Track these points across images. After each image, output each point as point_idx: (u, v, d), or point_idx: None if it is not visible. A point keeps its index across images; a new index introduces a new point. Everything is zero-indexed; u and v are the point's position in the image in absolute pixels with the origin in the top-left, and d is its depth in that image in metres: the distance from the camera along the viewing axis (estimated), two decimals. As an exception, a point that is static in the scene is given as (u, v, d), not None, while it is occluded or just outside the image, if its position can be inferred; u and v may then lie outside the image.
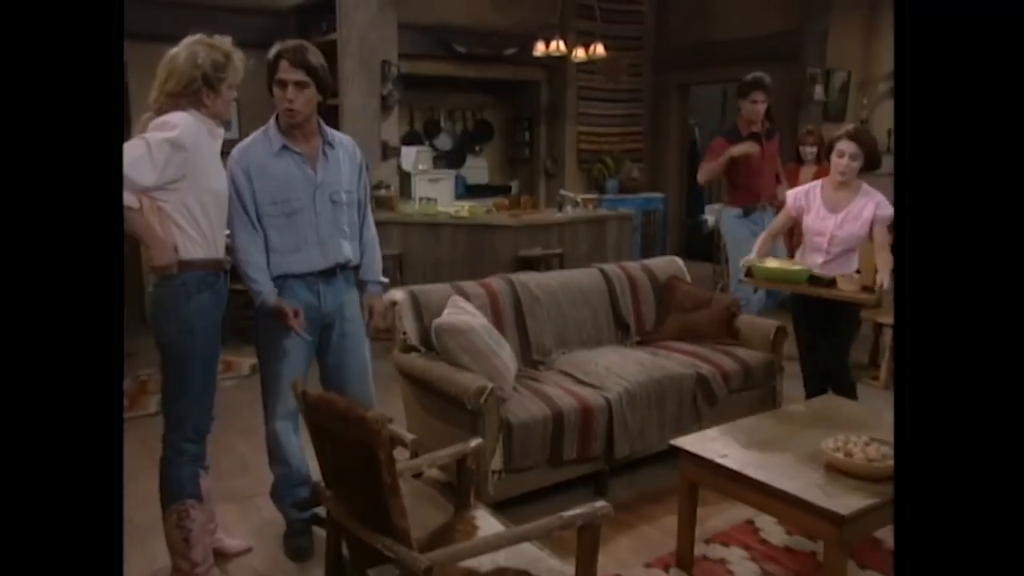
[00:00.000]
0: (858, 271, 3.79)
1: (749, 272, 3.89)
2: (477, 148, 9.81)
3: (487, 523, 2.39)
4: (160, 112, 2.62)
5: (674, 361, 3.96)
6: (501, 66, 8.80)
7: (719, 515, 3.37)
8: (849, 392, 3.85)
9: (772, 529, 3.28)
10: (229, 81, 2.68)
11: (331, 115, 6.09)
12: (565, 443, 3.41)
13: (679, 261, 4.87)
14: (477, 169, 9.71)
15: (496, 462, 3.26)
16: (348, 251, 3.05)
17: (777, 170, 5.61)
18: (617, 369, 3.74)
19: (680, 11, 9.50)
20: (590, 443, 3.49)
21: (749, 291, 4.94)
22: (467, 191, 8.84)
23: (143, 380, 5.21)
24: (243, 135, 3.13)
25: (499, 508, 2.85)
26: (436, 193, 7.41)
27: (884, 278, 3.46)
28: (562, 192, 7.54)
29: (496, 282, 4.07)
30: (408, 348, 3.65)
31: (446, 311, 3.58)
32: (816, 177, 4.62)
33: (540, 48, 7.36)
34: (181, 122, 2.57)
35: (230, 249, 2.90)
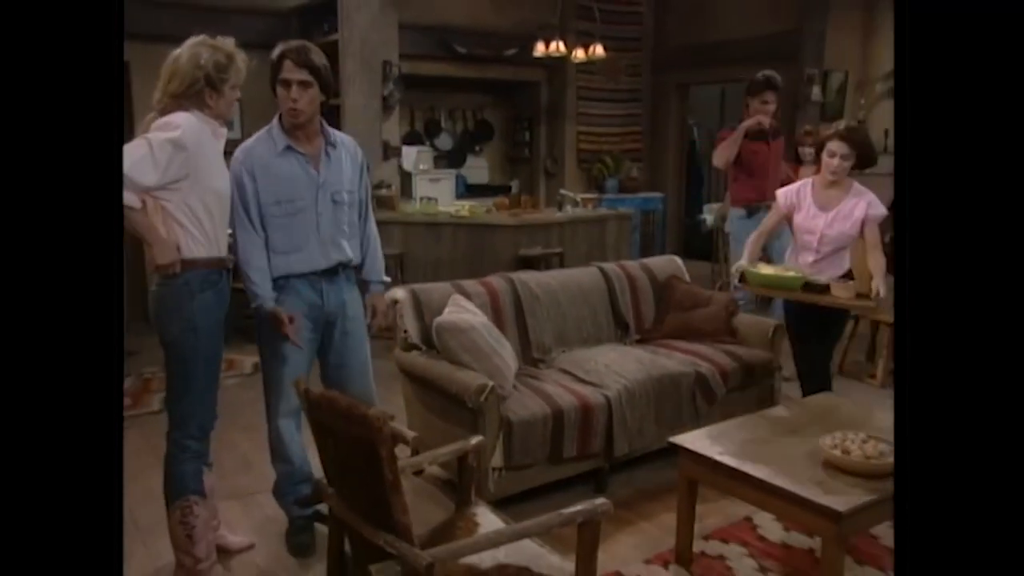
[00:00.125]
0: (850, 275, 3.75)
1: (743, 277, 3.85)
2: (477, 148, 9.83)
3: (488, 520, 2.41)
4: (163, 112, 2.64)
5: (673, 359, 3.97)
6: (501, 66, 8.82)
7: (718, 512, 3.38)
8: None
9: (770, 526, 3.30)
10: (232, 82, 2.69)
11: (332, 115, 6.10)
12: (565, 441, 3.43)
13: (678, 260, 4.88)
14: (477, 169, 9.73)
15: (496, 459, 3.27)
16: (349, 251, 3.07)
17: (782, 171, 5.56)
18: (617, 367, 3.76)
19: (679, 12, 9.51)
20: (590, 441, 3.51)
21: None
22: (467, 191, 8.86)
23: (147, 378, 5.23)
24: (245, 135, 3.14)
25: (500, 505, 2.86)
26: (437, 193, 7.42)
27: (879, 285, 3.46)
28: (562, 192, 7.56)
29: (496, 281, 4.09)
30: (409, 346, 3.66)
31: (447, 310, 3.59)
32: None
33: (540, 49, 7.38)
34: (183, 122, 2.58)
35: (232, 248, 2.92)
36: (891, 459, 2.63)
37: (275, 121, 2.96)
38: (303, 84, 2.83)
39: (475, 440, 2.56)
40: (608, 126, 9.62)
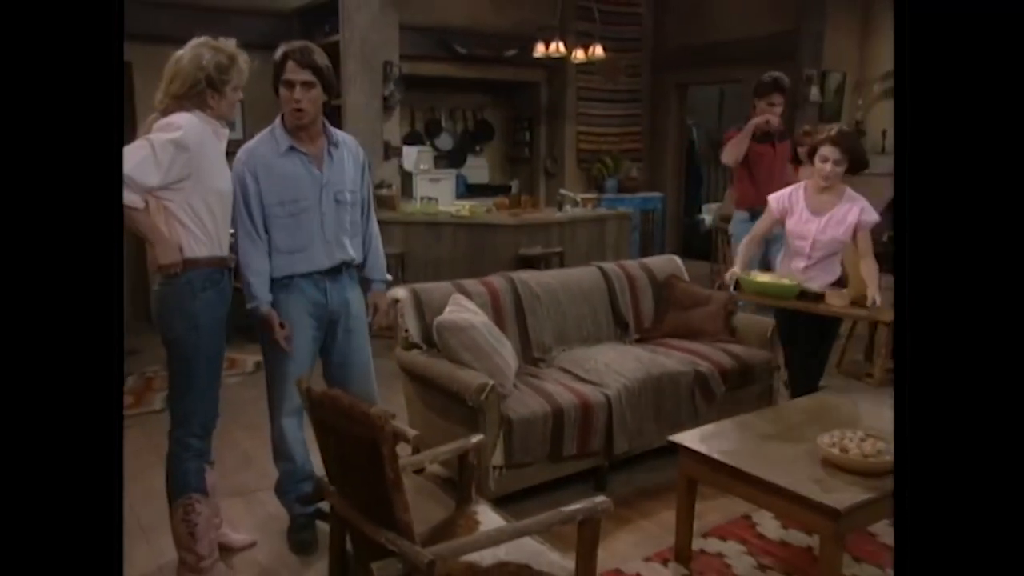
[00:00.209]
0: (840, 282, 3.72)
1: (737, 285, 3.78)
2: (478, 148, 9.85)
3: (488, 518, 2.42)
4: (165, 113, 2.65)
5: (672, 358, 3.99)
6: (501, 67, 8.83)
7: (717, 510, 3.40)
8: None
9: (768, 523, 3.32)
10: (234, 83, 2.71)
11: (334, 115, 6.10)
12: (565, 439, 3.44)
13: (677, 260, 4.89)
14: (478, 169, 9.74)
15: (497, 458, 3.29)
16: (352, 250, 3.08)
17: (788, 174, 5.49)
18: (616, 366, 3.78)
19: (678, 12, 9.53)
20: (590, 439, 3.52)
21: None
22: (468, 190, 8.88)
23: (149, 377, 5.25)
24: (247, 136, 3.15)
25: (500, 503, 2.88)
26: (437, 192, 7.44)
27: (874, 293, 3.44)
28: (562, 191, 7.58)
29: (497, 280, 4.11)
30: (410, 345, 3.67)
31: (447, 309, 3.61)
32: None
33: (540, 49, 7.39)
34: (185, 123, 2.60)
35: (234, 248, 2.93)
36: (889, 458, 2.64)
37: (277, 121, 2.96)
38: (306, 85, 2.83)
39: (476, 438, 2.57)
40: (608, 126, 9.64)
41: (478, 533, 2.25)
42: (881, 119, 7.88)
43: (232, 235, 2.89)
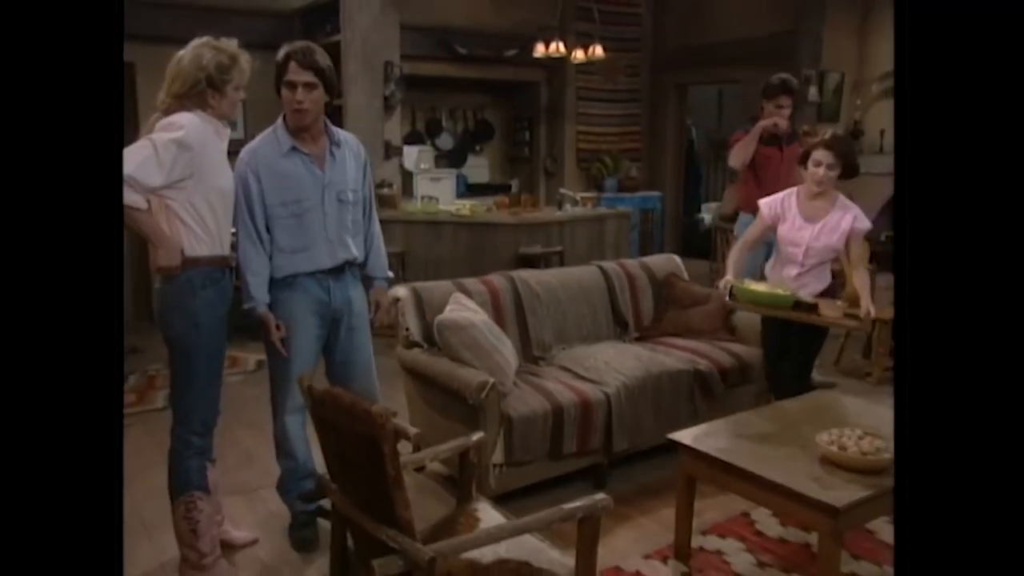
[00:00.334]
0: (830, 290, 3.68)
1: (732, 294, 3.66)
2: (478, 147, 9.87)
3: (489, 515, 2.43)
4: (167, 113, 2.66)
5: (672, 357, 4.00)
6: (501, 67, 8.85)
7: (716, 507, 3.41)
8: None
9: (767, 521, 3.33)
10: (235, 83, 2.71)
11: (335, 115, 6.12)
12: (565, 437, 3.46)
13: (677, 258, 4.91)
14: (478, 168, 9.76)
15: (497, 456, 3.30)
16: (354, 249, 3.09)
17: (795, 177, 5.39)
18: (616, 364, 3.79)
19: (677, 13, 9.54)
20: (589, 437, 3.54)
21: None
22: (468, 190, 8.89)
23: (151, 375, 5.26)
24: (249, 136, 3.16)
25: (500, 501, 2.89)
26: (438, 192, 7.45)
27: (868, 305, 3.40)
28: (561, 191, 7.60)
29: (497, 279, 4.12)
30: (411, 344, 3.69)
31: (448, 308, 3.62)
32: None
33: (540, 49, 7.40)
34: (187, 122, 2.61)
35: (235, 247, 2.94)
36: (887, 455, 2.66)
37: (279, 121, 2.96)
38: (308, 86, 2.83)
39: (476, 436, 2.58)
40: (607, 126, 9.65)
41: (478, 530, 2.26)
42: (879, 119, 7.90)
43: (233, 234, 2.90)
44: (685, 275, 4.78)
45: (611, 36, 8.62)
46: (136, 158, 2.49)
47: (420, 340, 3.68)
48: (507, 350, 3.54)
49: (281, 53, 2.87)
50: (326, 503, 2.74)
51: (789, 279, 3.66)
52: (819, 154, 3.54)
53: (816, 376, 4.41)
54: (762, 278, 3.86)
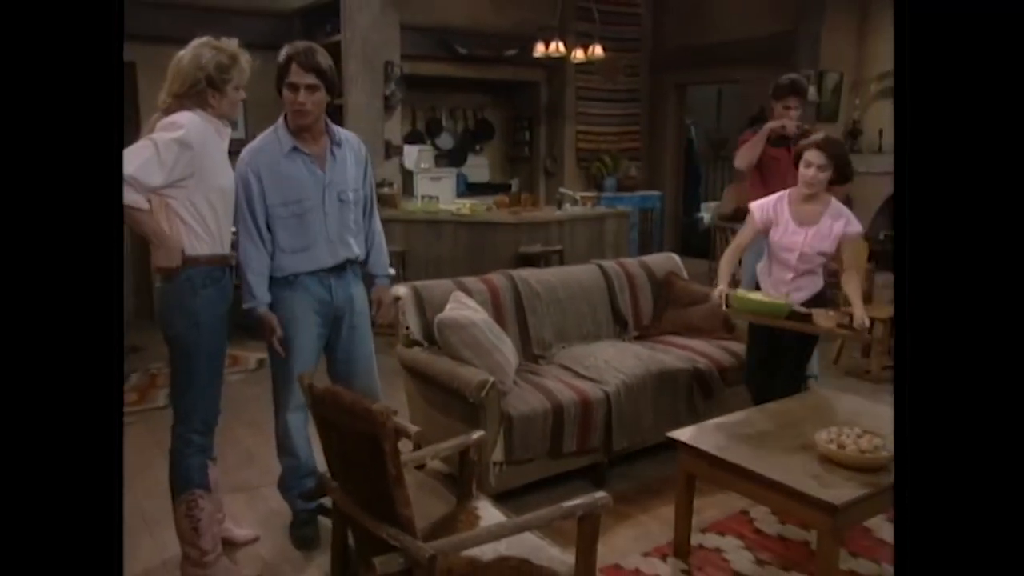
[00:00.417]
0: (821, 295, 3.65)
1: (727, 303, 3.58)
2: (478, 147, 9.89)
3: (489, 513, 2.43)
4: (168, 112, 2.67)
5: (671, 355, 4.01)
6: (501, 67, 8.86)
7: (715, 505, 3.42)
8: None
9: (766, 519, 3.34)
10: (235, 82, 2.71)
11: (335, 115, 6.13)
12: (565, 435, 3.47)
13: (676, 257, 4.91)
14: (478, 167, 9.77)
15: (497, 454, 3.31)
16: (356, 247, 3.09)
17: None
18: (615, 363, 3.80)
19: (676, 13, 9.56)
20: (589, 435, 3.55)
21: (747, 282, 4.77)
22: (468, 189, 8.91)
23: (153, 374, 5.27)
24: (250, 135, 3.16)
25: (500, 499, 2.90)
26: (438, 191, 7.47)
27: (861, 315, 3.35)
28: (561, 190, 7.61)
29: (497, 278, 4.13)
30: (411, 343, 3.69)
31: (448, 306, 3.62)
32: None
33: (539, 49, 7.41)
34: (187, 122, 2.61)
35: (235, 246, 2.95)
36: (885, 453, 2.67)
37: (280, 121, 2.96)
38: (310, 88, 2.83)
39: (476, 435, 2.59)
40: (607, 125, 9.67)
41: (479, 528, 2.27)
42: (878, 118, 7.91)
43: (234, 233, 2.91)
44: (684, 274, 4.79)
45: (611, 36, 8.64)
46: (138, 158, 2.49)
47: (420, 339, 3.69)
48: (507, 349, 3.55)
49: (283, 54, 2.86)
50: (327, 501, 2.74)
51: (783, 282, 3.64)
52: (810, 155, 3.50)
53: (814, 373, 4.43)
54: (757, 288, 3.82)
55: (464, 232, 6.27)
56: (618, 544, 3.16)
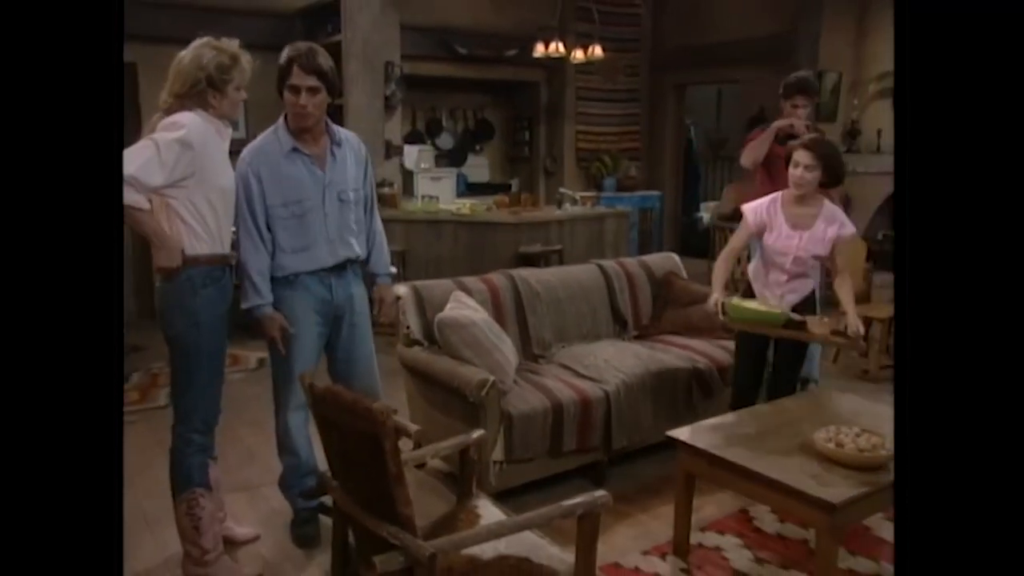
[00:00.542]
0: (811, 299, 3.65)
1: (724, 312, 3.54)
2: (478, 147, 9.89)
3: (489, 512, 2.44)
4: (168, 112, 2.67)
5: (671, 354, 4.02)
6: (501, 67, 8.87)
7: (714, 504, 3.43)
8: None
9: (765, 517, 3.35)
10: (236, 83, 2.71)
11: (336, 115, 6.14)
12: (565, 434, 3.47)
13: (675, 257, 4.92)
14: (478, 167, 9.78)
15: (497, 453, 3.32)
16: (356, 247, 3.10)
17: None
18: (615, 362, 3.81)
19: (676, 13, 9.56)
20: (589, 434, 3.56)
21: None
22: (468, 189, 8.92)
23: (154, 373, 5.27)
24: (250, 135, 3.16)
25: (500, 498, 2.91)
26: (438, 191, 7.48)
27: (855, 322, 3.36)
28: (561, 190, 7.62)
29: (497, 278, 4.13)
30: (411, 342, 3.70)
31: (448, 306, 3.63)
32: None
33: (539, 49, 7.41)
34: (188, 122, 2.62)
35: (235, 246, 2.95)
36: (884, 452, 2.68)
37: (281, 122, 2.97)
38: (312, 90, 2.83)
39: (476, 434, 2.60)
40: (606, 125, 9.67)
41: (479, 527, 2.27)
42: (876, 118, 7.92)
43: (234, 233, 2.91)
44: (684, 274, 4.79)
45: (610, 36, 8.64)
46: (138, 158, 2.49)
47: (421, 338, 3.69)
48: (507, 348, 3.56)
49: (284, 56, 2.86)
50: (327, 500, 2.74)
51: (777, 284, 3.63)
52: (799, 154, 3.47)
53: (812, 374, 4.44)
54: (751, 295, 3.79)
55: (464, 232, 6.28)
56: (618, 543, 3.16)
